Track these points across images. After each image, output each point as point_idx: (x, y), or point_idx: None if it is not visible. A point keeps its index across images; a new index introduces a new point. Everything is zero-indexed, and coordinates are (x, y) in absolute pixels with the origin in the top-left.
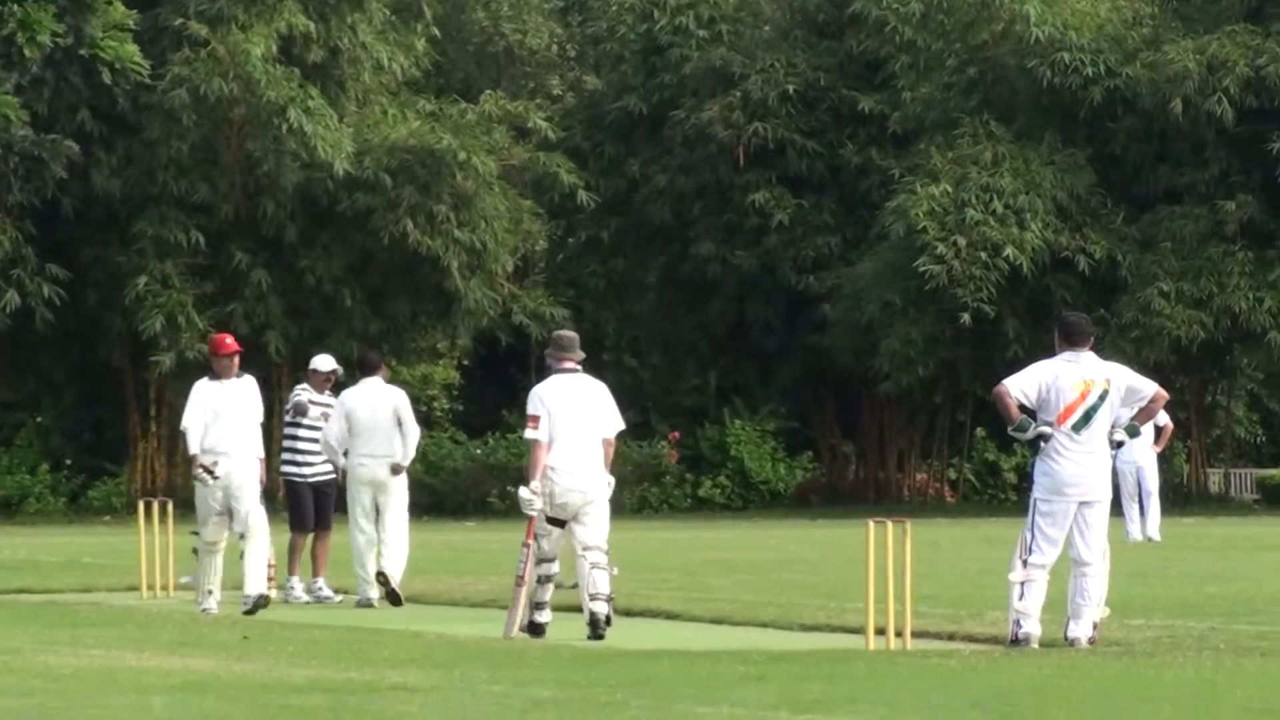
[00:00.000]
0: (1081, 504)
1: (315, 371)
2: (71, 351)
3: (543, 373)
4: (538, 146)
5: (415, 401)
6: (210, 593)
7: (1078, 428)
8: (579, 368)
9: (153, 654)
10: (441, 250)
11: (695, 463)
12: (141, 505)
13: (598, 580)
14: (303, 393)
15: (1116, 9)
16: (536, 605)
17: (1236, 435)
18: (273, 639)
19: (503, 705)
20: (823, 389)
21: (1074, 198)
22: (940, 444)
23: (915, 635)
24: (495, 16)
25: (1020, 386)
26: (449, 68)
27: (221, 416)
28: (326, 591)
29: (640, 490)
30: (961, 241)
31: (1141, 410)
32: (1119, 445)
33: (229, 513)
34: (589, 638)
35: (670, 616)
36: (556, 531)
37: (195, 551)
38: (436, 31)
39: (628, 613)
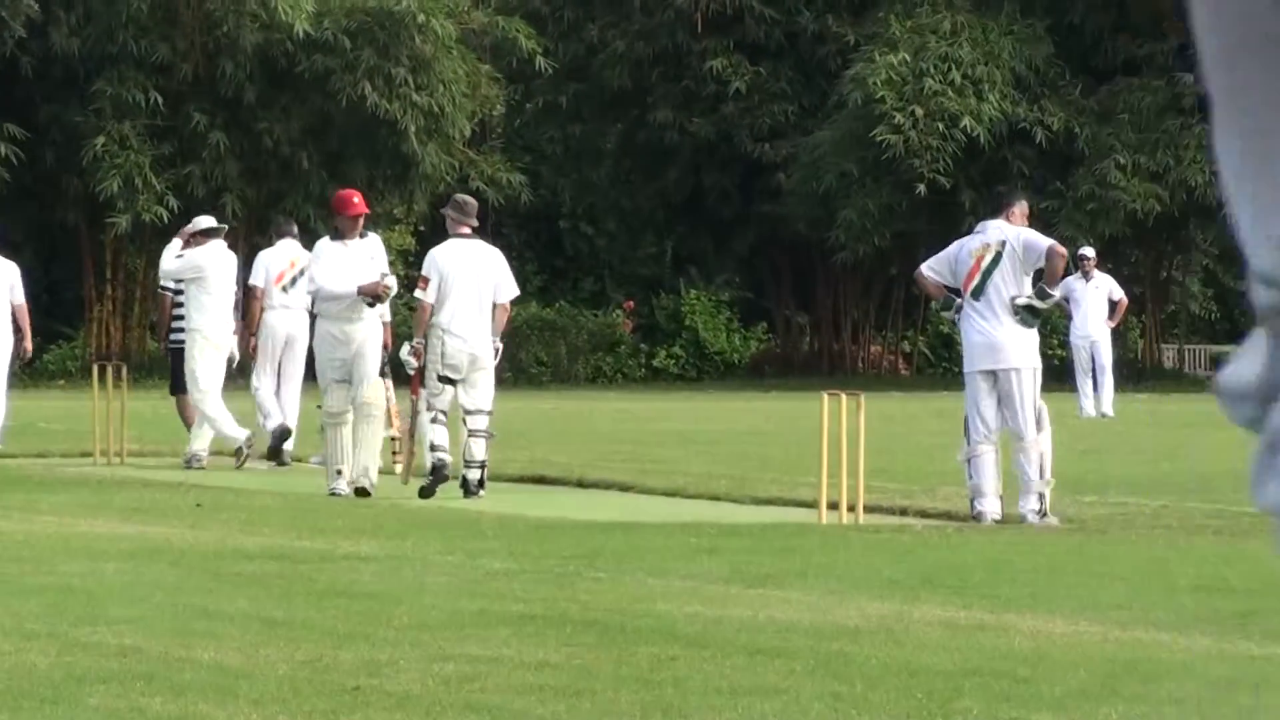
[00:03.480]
0: (999, 373)
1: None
2: (28, 211)
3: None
4: (497, 10)
5: None
6: (339, 473)
7: (976, 293)
8: (474, 233)
9: (106, 520)
10: (399, 114)
11: (650, 332)
12: (96, 370)
13: (474, 447)
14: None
15: None
16: (433, 447)
17: (1191, 311)
18: (226, 506)
19: (455, 576)
20: (778, 259)
21: (1032, 69)
22: (895, 316)
23: (868, 510)
24: None
25: (932, 265)
26: None
27: (345, 277)
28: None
29: (594, 359)
30: (919, 111)
31: (1045, 271)
32: (1020, 314)
33: (350, 380)
34: (463, 497)
35: (623, 488)
36: (449, 390)
37: (321, 430)
38: None
39: (580, 483)
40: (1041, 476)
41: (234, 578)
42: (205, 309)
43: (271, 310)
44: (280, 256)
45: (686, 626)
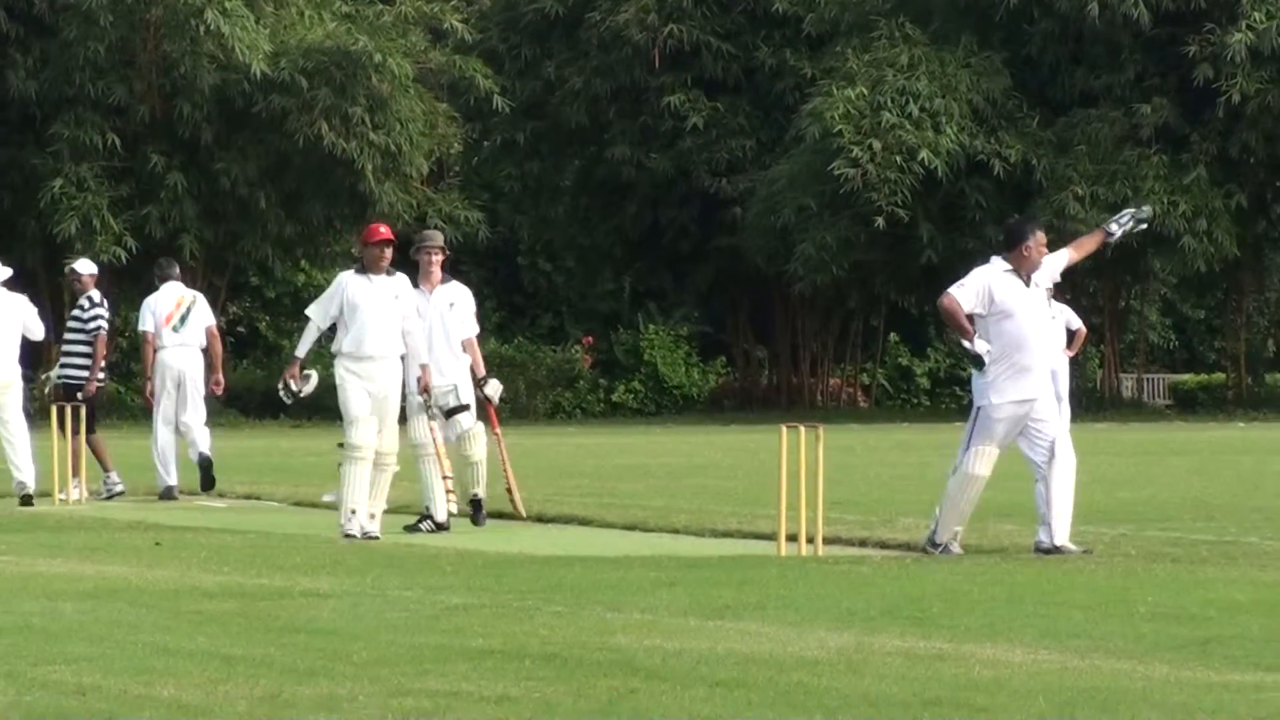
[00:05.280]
0: None
1: (79, 274)
2: None
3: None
4: (454, 49)
5: None
6: (354, 512)
7: None
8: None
9: (65, 560)
10: (356, 153)
11: (609, 368)
12: (54, 410)
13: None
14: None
15: None
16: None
17: (1149, 340)
18: (185, 545)
19: (414, 611)
20: (736, 293)
21: (989, 101)
22: (854, 349)
23: (827, 542)
24: None
25: None
26: None
27: (362, 313)
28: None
29: (554, 395)
30: (877, 145)
31: None
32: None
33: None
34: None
35: (583, 522)
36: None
37: (339, 466)
38: None
39: (540, 518)
40: (940, 510)
41: (193, 615)
42: None
43: (165, 349)
44: (166, 298)
45: (646, 659)
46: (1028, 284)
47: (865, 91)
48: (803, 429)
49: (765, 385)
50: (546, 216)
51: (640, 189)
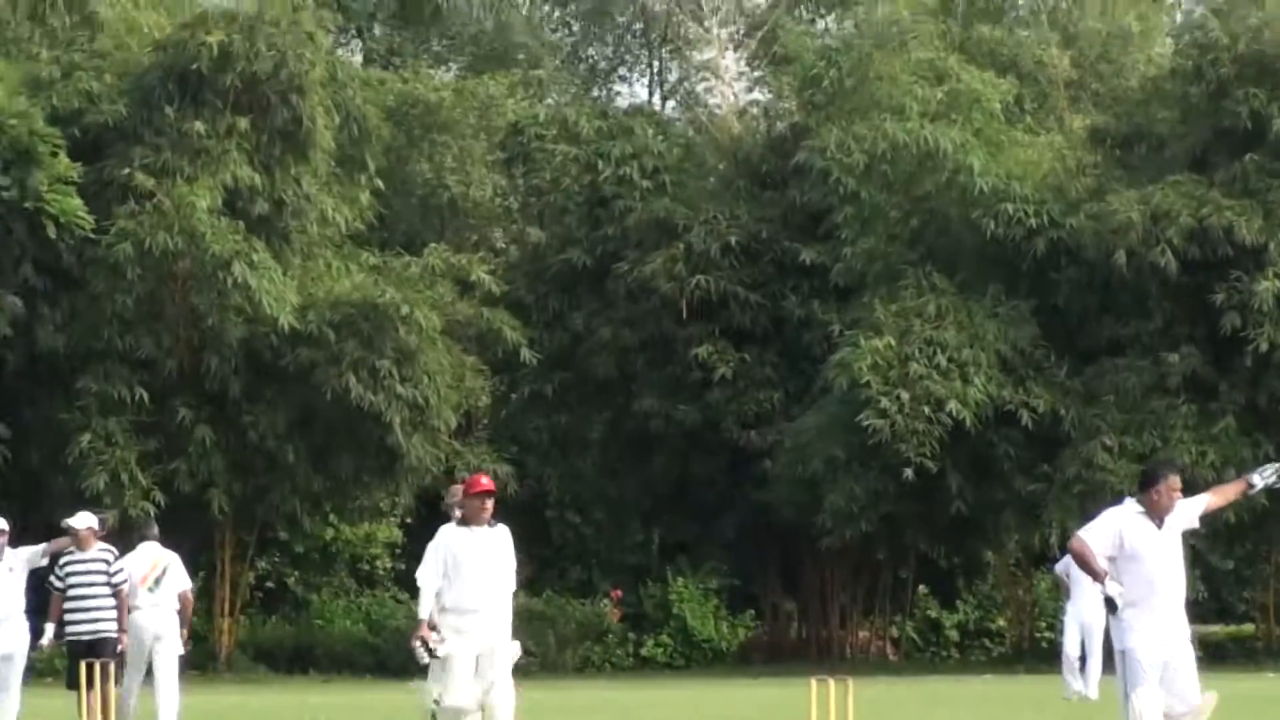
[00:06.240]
0: None
1: (76, 530)
2: (12, 511)
3: None
4: (481, 300)
5: (357, 560)
6: None
7: None
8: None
9: None
10: (384, 406)
11: (638, 621)
12: (83, 666)
13: None
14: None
15: (1060, 159)
16: None
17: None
18: None
19: None
20: (765, 545)
21: (1017, 350)
22: (882, 601)
23: None
24: (439, 168)
25: None
26: (393, 220)
27: (465, 567)
28: None
29: (583, 649)
30: (905, 395)
31: None
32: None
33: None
34: None
35: None
36: None
37: (433, 718)
38: (380, 184)
39: None
40: None
41: None
42: None
43: (139, 610)
44: (143, 559)
45: None
46: (1160, 526)
47: (893, 342)
48: (832, 682)
49: (794, 638)
50: (574, 469)
51: (669, 441)
